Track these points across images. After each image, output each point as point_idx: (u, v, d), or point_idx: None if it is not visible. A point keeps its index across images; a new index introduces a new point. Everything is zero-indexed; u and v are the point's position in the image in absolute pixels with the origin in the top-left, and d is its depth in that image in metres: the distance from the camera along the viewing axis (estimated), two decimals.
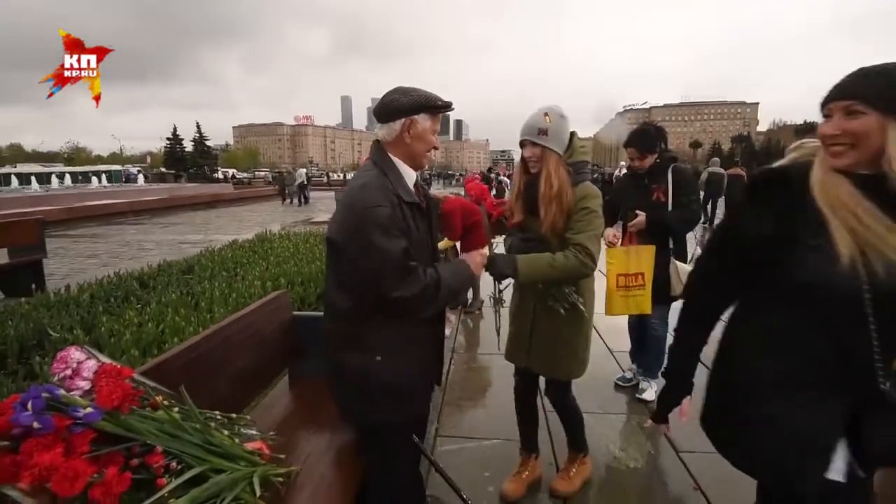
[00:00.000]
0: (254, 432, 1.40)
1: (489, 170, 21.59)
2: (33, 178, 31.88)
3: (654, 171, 2.91)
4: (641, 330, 3.27)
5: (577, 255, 1.80)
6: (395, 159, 1.51)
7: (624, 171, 4.48)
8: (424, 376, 1.64)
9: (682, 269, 2.91)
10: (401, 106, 1.47)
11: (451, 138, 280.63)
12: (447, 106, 1.52)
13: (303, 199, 21.18)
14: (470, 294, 5.16)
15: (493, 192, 18.73)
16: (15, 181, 32.56)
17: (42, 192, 24.71)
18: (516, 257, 1.83)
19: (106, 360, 1.07)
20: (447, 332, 1.80)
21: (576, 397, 2.27)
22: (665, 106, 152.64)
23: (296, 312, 2.39)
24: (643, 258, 2.79)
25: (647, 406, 3.06)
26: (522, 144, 1.95)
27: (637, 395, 3.16)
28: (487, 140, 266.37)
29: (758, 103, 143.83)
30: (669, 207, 2.86)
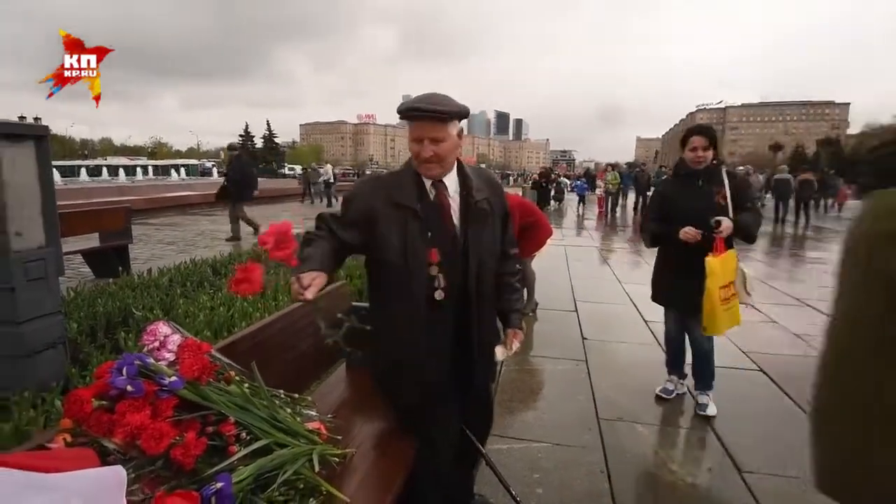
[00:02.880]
0: (313, 413, 1.49)
1: (549, 169, 21.24)
2: (121, 170, 34.83)
3: (710, 174, 2.78)
4: (680, 341, 3.12)
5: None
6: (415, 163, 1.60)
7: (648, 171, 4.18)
8: (411, 365, 1.64)
9: (748, 276, 2.81)
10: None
11: (511, 138, 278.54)
12: (399, 110, 1.55)
13: (329, 199, 19.05)
14: (524, 295, 5.13)
15: (552, 191, 18.51)
16: (105, 172, 35.67)
17: (128, 182, 26.94)
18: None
19: (188, 335, 1.18)
20: (498, 358, 1.79)
21: (631, 406, 2.25)
22: (743, 106, 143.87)
23: (354, 303, 2.49)
24: (730, 266, 2.73)
25: (710, 421, 2.92)
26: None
27: (699, 412, 2.99)
28: (547, 140, 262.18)
29: (849, 104, 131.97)
30: (730, 210, 2.74)
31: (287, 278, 4.83)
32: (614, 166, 17.77)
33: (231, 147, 10.67)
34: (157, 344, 1.13)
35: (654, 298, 3.08)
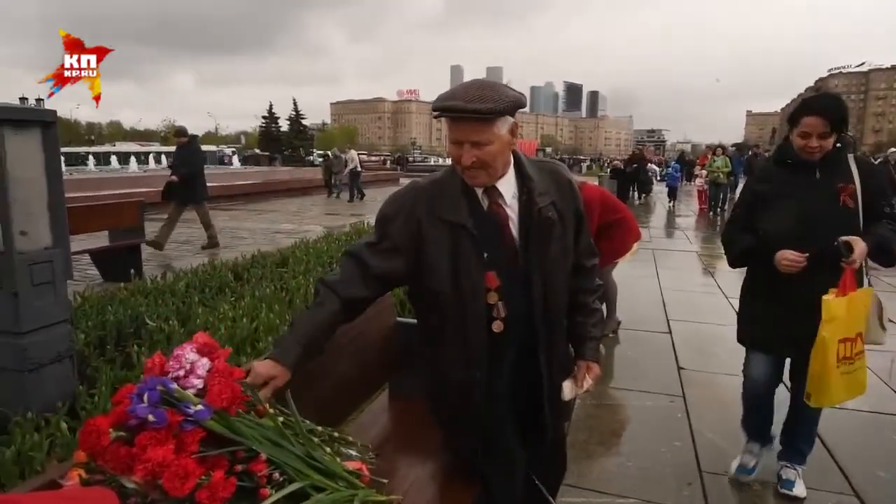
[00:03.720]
0: (353, 452, 1.51)
1: (641, 152, 20.39)
2: (132, 158, 37.03)
3: (829, 163, 2.32)
4: (770, 397, 2.66)
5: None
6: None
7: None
8: (467, 415, 1.65)
9: (886, 307, 2.41)
10: None
11: (584, 115, 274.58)
12: (433, 108, 1.48)
13: (355, 193, 18.57)
14: (603, 311, 5.02)
15: (634, 184, 17.89)
16: (115, 161, 38.03)
17: (140, 172, 28.55)
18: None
19: (224, 348, 1.24)
20: (566, 396, 1.75)
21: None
22: (893, 68, 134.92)
23: (398, 318, 2.51)
24: (859, 310, 2.27)
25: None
26: None
27: (780, 489, 2.61)
28: (631, 117, 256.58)
29: None
30: (860, 215, 2.28)
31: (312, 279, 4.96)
32: (723, 149, 15.73)
33: (179, 133, 9.44)
34: (182, 372, 1.18)
35: (741, 337, 2.66)
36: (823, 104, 2.29)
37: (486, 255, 1.53)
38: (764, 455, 2.75)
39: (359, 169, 18.93)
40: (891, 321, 2.56)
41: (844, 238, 2.14)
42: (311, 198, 19.81)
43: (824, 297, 2.16)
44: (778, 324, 2.43)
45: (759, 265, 2.47)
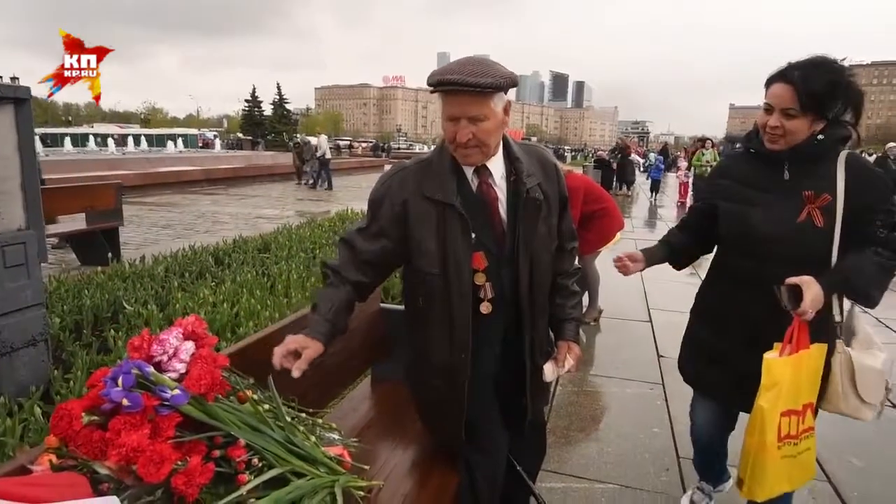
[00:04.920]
0: (335, 437, 1.49)
1: (625, 143, 20.31)
2: (111, 140, 36.33)
3: (805, 160, 1.71)
4: (716, 443, 2.27)
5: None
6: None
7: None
8: (452, 399, 1.64)
9: (862, 370, 1.75)
10: None
11: (569, 105, 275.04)
12: (429, 83, 1.44)
13: (323, 181, 17.61)
14: (585, 299, 5.05)
15: (614, 176, 17.82)
16: (92, 142, 37.26)
17: (119, 154, 28.07)
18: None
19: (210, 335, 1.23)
20: (547, 378, 1.74)
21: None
22: (873, 64, 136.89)
23: (382, 304, 2.50)
24: (813, 372, 1.73)
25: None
26: None
27: None
28: (616, 108, 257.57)
29: None
30: (835, 239, 1.67)
31: (301, 269, 4.94)
32: (713, 142, 14.92)
33: None
34: (165, 357, 1.15)
35: (681, 366, 2.18)
36: (800, 71, 1.65)
37: (473, 235, 1.52)
38: (717, 494, 2.43)
39: (328, 156, 18.07)
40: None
41: (791, 280, 1.59)
42: (293, 183, 19.54)
43: (766, 356, 1.68)
44: (724, 364, 1.92)
45: (712, 277, 2.04)
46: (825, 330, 1.72)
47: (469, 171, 1.56)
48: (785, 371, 1.65)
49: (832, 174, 1.67)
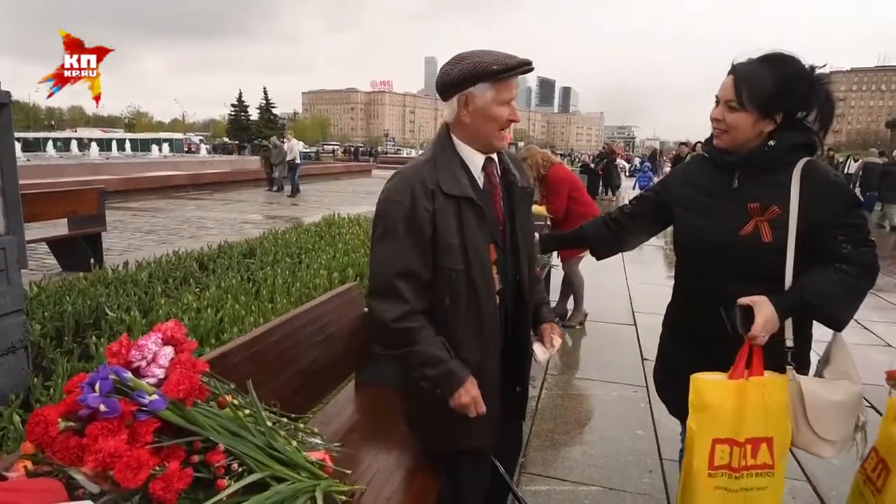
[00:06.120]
0: (317, 441, 1.49)
1: (611, 148, 20.41)
2: (94, 145, 35.90)
3: (757, 166, 1.59)
4: None
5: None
6: (459, 142, 1.56)
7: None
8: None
9: (816, 402, 1.57)
10: (452, 79, 1.48)
11: (556, 110, 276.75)
12: (508, 68, 1.44)
13: (286, 186, 17.00)
14: (570, 304, 5.08)
15: (600, 181, 17.89)
16: (75, 146, 36.81)
17: (102, 159, 27.78)
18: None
19: (190, 340, 1.21)
20: (540, 359, 1.76)
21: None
22: (853, 71, 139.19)
23: (367, 309, 2.49)
24: (768, 405, 1.56)
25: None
26: None
27: None
28: (602, 113, 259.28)
29: None
30: (789, 256, 1.54)
31: (286, 275, 4.91)
32: (694, 146, 13.95)
33: None
34: (144, 362, 1.15)
35: (656, 380, 2.09)
36: (746, 65, 1.58)
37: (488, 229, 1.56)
38: None
39: (298, 161, 17.24)
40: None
41: (743, 300, 1.49)
42: (249, 193, 18.22)
43: (694, 375, 1.58)
44: (677, 378, 1.75)
45: (674, 289, 1.96)
46: (775, 354, 1.57)
47: (478, 165, 1.58)
48: (723, 395, 1.54)
49: (786, 185, 1.54)
